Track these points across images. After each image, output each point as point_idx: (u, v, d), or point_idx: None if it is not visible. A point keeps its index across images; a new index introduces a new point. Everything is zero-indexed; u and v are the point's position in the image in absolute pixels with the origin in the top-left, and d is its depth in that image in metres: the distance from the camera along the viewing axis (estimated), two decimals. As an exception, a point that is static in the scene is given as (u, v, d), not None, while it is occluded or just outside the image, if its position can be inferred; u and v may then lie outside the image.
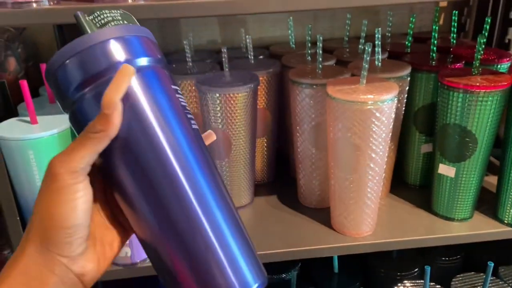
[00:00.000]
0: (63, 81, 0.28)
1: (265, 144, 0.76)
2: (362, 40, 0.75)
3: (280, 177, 0.80)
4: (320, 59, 0.62)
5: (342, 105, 0.54)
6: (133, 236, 0.56)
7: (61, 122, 0.51)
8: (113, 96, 0.26)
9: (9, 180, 0.52)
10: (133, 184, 0.28)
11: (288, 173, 0.81)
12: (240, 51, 0.82)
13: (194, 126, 0.31)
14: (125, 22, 0.31)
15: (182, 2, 0.46)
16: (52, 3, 0.46)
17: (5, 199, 0.53)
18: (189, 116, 0.31)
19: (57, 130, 0.50)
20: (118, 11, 0.31)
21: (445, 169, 0.62)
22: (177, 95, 0.31)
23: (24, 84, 0.49)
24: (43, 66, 0.57)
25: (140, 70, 0.29)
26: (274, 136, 0.77)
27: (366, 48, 0.54)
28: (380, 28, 0.60)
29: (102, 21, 0.30)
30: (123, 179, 0.28)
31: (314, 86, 0.61)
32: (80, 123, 0.29)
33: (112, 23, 0.30)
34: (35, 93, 0.65)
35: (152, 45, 0.31)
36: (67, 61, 0.28)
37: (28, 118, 0.52)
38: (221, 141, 0.65)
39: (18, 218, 0.54)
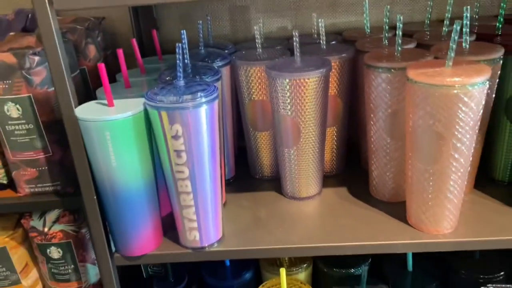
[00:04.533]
0: None
1: (335, 134, 0.73)
2: (446, 22, 0.69)
3: (350, 169, 0.76)
4: (400, 40, 0.58)
5: (425, 89, 0.50)
6: (202, 221, 0.56)
7: (135, 105, 0.52)
8: None
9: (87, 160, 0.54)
10: None
11: (359, 164, 0.77)
12: (311, 37, 0.79)
13: None
14: None
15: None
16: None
17: (83, 178, 0.55)
18: None
19: (132, 113, 0.51)
20: None
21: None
22: None
23: (102, 67, 0.50)
24: (120, 52, 0.58)
25: None
26: (345, 125, 0.73)
27: (455, 26, 0.49)
28: (469, 7, 0.55)
29: None
30: None
31: (392, 70, 0.57)
32: None
33: None
34: (112, 80, 0.67)
35: None
36: None
37: (105, 101, 0.54)
38: (290, 129, 0.64)
39: (95, 197, 0.56)
